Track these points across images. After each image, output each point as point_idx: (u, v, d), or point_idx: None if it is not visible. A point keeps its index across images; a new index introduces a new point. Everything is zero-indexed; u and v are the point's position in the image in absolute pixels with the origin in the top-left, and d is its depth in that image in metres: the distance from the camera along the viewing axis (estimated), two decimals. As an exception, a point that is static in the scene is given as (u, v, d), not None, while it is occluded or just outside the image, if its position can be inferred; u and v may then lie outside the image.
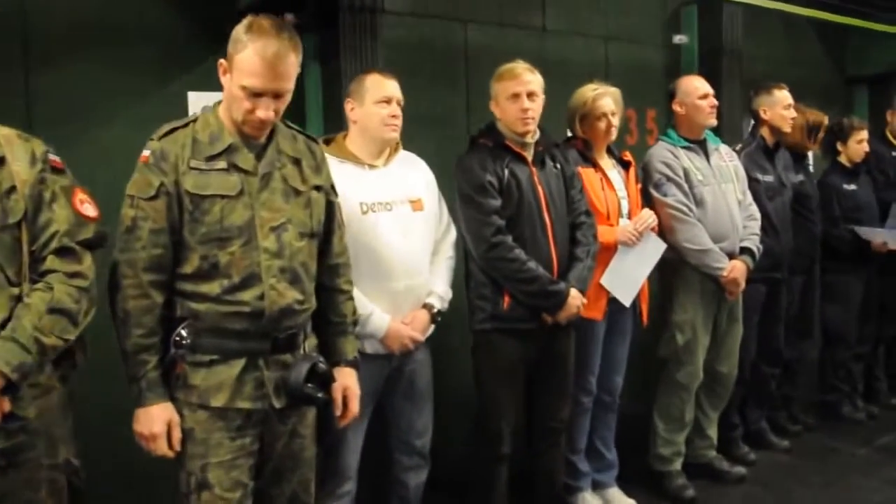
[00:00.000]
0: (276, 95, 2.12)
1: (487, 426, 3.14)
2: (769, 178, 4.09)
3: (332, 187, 2.41)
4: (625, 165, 3.58)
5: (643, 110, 5.04)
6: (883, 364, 5.14)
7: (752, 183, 4.03)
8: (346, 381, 2.38)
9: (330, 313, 2.40)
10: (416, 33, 4.06)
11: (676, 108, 3.80)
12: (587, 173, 3.42)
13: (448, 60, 4.21)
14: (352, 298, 2.46)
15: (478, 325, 3.12)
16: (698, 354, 3.74)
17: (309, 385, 2.16)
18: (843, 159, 4.76)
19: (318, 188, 2.30)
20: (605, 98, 3.49)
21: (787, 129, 4.13)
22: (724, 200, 3.71)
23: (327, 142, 2.88)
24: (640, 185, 3.63)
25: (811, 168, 5.21)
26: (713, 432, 4.00)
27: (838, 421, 4.75)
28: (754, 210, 3.85)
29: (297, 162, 2.27)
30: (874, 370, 5.06)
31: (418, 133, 3.75)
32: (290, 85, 2.15)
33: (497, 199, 3.03)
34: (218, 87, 2.24)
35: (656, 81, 5.12)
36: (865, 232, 4.59)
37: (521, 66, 3.13)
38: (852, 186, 4.70)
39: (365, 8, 3.60)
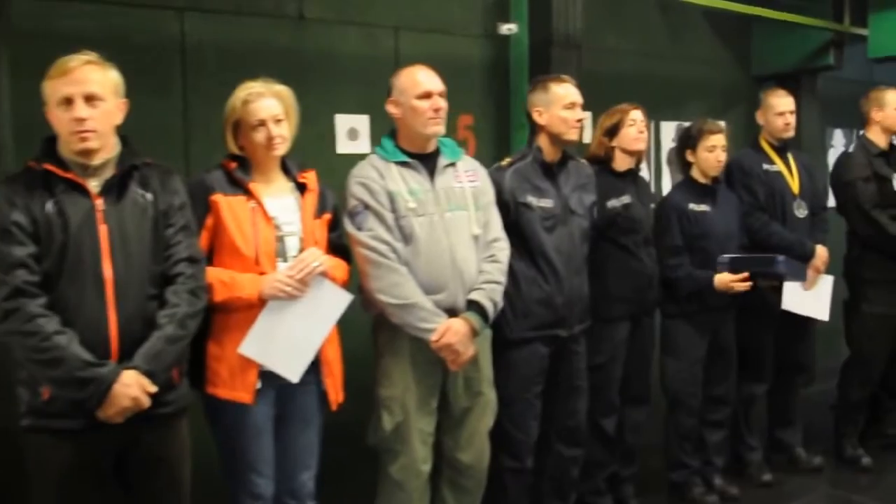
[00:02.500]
0: None
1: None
2: (547, 203, 3.12)
3: None
4: (303, 189, 2.68)
5: (454, 116, 4.10)
6: (760, 430, 4.10)
7: (523, 209, 3.08)
8: None
9: None
10: (106, 26, 3.21)
11: (391, 109, 2.88)
12: (232, 203, 2.53)
13: (155, 60, 3.35)
14: None
15: (21, 420, 2.25)
16: (413, 442, 2.79)
17: None
18: (695, 173, 3.75)
19: None
20: (263, 100, 2.60)
21: (570, 137, 3.15)
22: (444, 236, 2.77)
23: None
24: (328, 216, 2.72)
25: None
26: (467, 538, 3.04)
27: (684, 508, 3.74)
28: (499, 249, 2.89)
29: None
30: (746, 438, 4.02)
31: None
32: None
33: (27, 247, 2.15)
34: None
35: (474, 80, 4.20)
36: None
37: (77, 59, 2.24)
38: (703, 207, 3.68)
39: (-17, -7, 2.79)
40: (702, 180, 3.72)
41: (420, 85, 2.81)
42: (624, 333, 3.47)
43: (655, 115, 4.83)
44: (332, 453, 2.84)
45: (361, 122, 3.83)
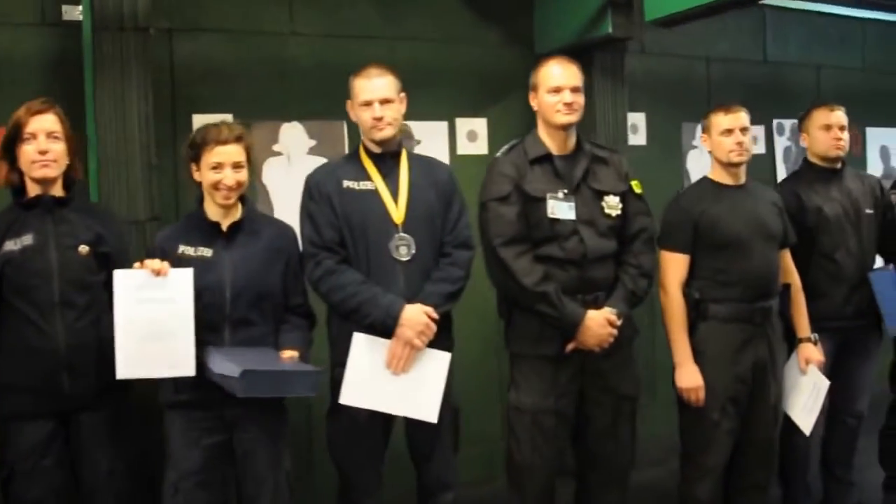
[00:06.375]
0: None
1: None
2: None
3: None
4: None
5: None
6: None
7: None
8: None
9: None
10: None
11: None
12: None
13: None
14: None
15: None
16: None
17: None
18: (207, 204, 2.53)
19: None
20: None
21: None
22: None
23: None
24: None
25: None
26: None
27: None
28: None
29: None
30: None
31: None
32: None
33: None
34: None
35: (26, 83, 3.21)
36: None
37: None
38: (203, 252, 2.46)
39: None
40: (208, 215, 2.51)
41: None
42: (38, 437, 2.39)
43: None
44: None
45: None
